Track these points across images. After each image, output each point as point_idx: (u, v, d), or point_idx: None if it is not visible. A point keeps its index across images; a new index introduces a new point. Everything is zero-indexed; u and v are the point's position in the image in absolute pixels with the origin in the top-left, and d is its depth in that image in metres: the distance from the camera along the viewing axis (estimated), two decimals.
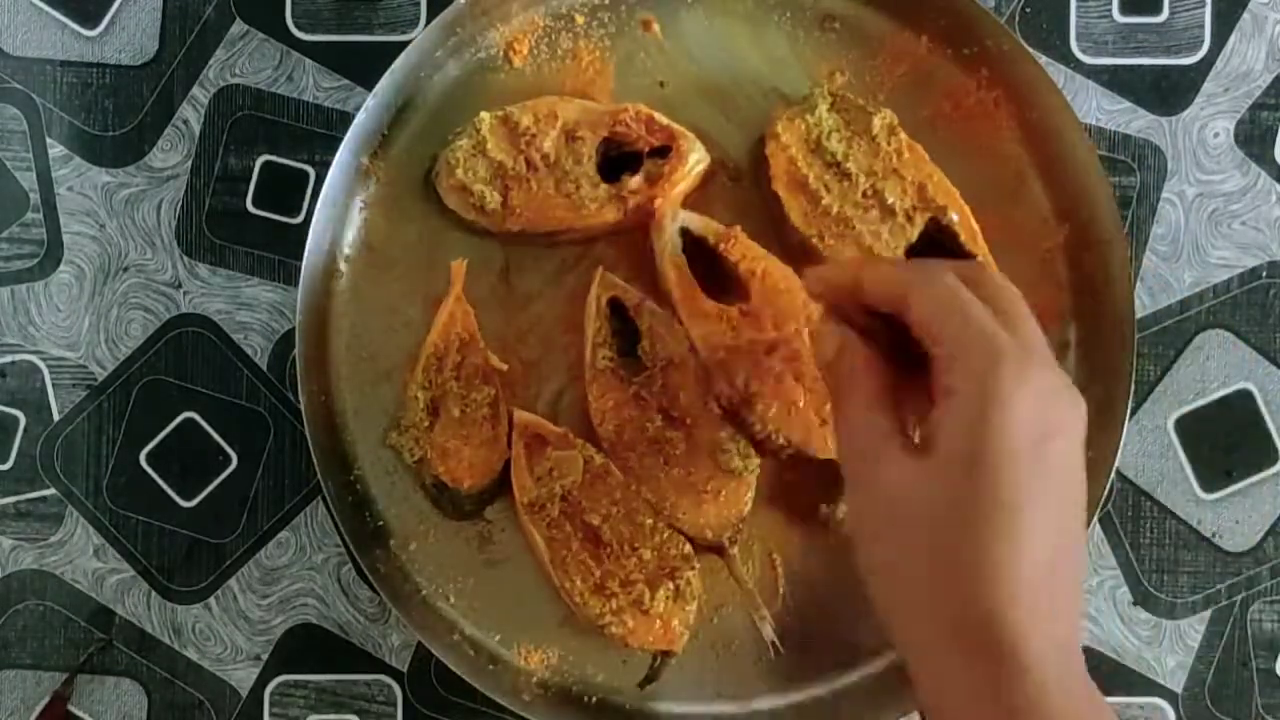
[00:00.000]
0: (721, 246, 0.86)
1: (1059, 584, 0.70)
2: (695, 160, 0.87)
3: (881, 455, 0.73)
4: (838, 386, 0.76)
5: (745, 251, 0.86)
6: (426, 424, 0.87)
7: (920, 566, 0.71)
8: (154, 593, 0.91)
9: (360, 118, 0.86)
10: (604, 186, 0.87)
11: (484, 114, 0.86)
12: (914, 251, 0.86)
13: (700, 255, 0.86)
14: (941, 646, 0.71)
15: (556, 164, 0.86)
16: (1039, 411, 0.69)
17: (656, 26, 0.89)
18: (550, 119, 0.86)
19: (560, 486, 0.86)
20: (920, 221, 0.86)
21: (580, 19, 0.89)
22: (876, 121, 0.86)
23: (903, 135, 0.86)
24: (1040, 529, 0.69)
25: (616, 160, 0.88)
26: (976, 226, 0.86)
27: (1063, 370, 0.73)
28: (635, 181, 0.86)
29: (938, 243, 0.86)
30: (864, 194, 0.86)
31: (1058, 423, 0.70)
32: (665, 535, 0.86)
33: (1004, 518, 0.69)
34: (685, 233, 0.86)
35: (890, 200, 0.85)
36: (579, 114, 0.87)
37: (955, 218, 0.86)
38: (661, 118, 0.87)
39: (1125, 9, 0.92)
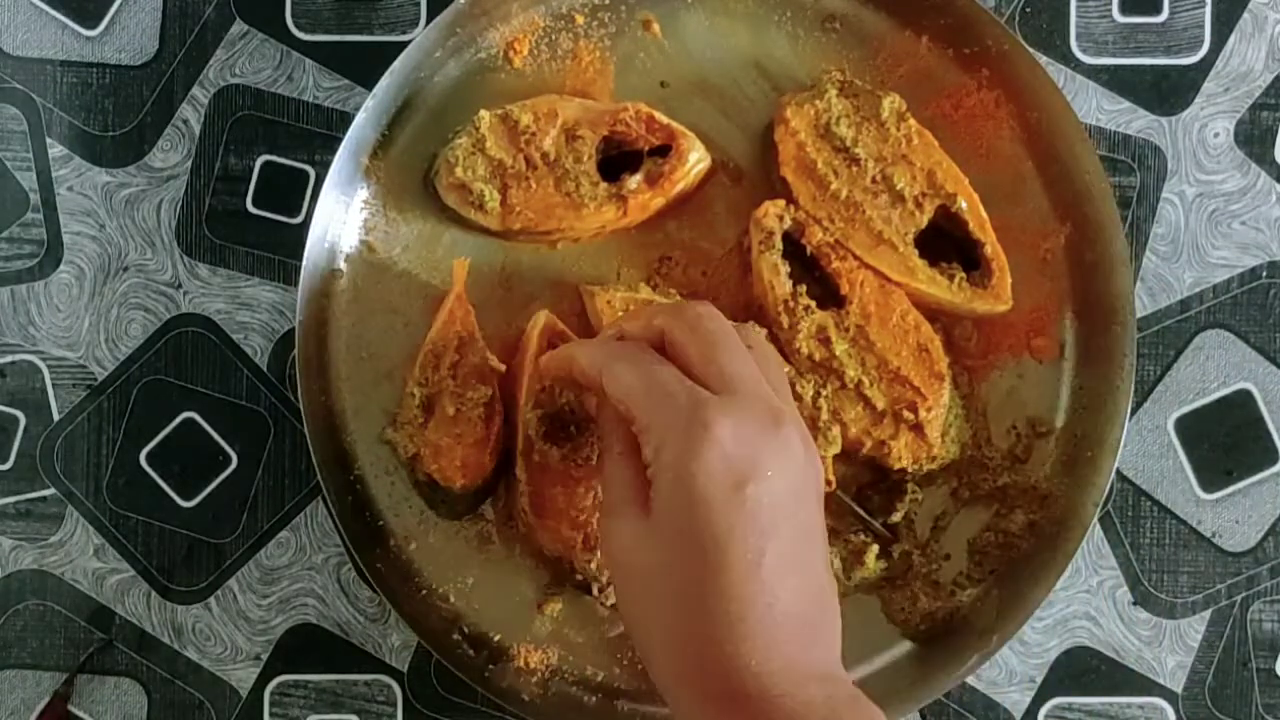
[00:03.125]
0: (822, 255, 0.86)
1: (805, 620, 0.71)
2: (695, 160, 0.87)
3: (617, 512, 0.74)
4: (602, 433, 0.78)
5: (844, 260, 0.86)
6: (421, 420, 0.86)
7: (660, 628, 0.73)
8: (154, 593, 0.91)
9: (360, 118, 0.86)
10: (604, 185, 0.86)
11: (483, 112, 0.86)
12: (923, 238, 0.86)
13: (800, 261, 0.87)
14: (698, 703, 0.72)
15: (556, 163, 0.86)
16: (729, 460, 0.70)
17: (656, 26, 0.89)
18: (550, 117, 0.86)
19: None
20: (929, 208, 0.86)
21: (580, 19, 0.89)
22: (885, 105, 0.86)
23: (912, 121, 0.86)
24: (764, 574, 0.70)
25: (617, 160, 0.88)
26: (985, 215, 0.86)
27: (779, 405, 0.74)
28: (635, 181, 0.86)
29: (947, 230, 0.87)
30: (873, 179, 0.86)
31: (753, 465, 0.71)
32: None
33: (721, 575, 0.70)
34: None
35: (899, 186, 0.85)
36: (579, 113, 0.87)
37: (964, 205, 0.86)
38: (661, 117, 0.87)
39: (1125, 9, 0.92)
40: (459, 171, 0.86)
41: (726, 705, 0.71)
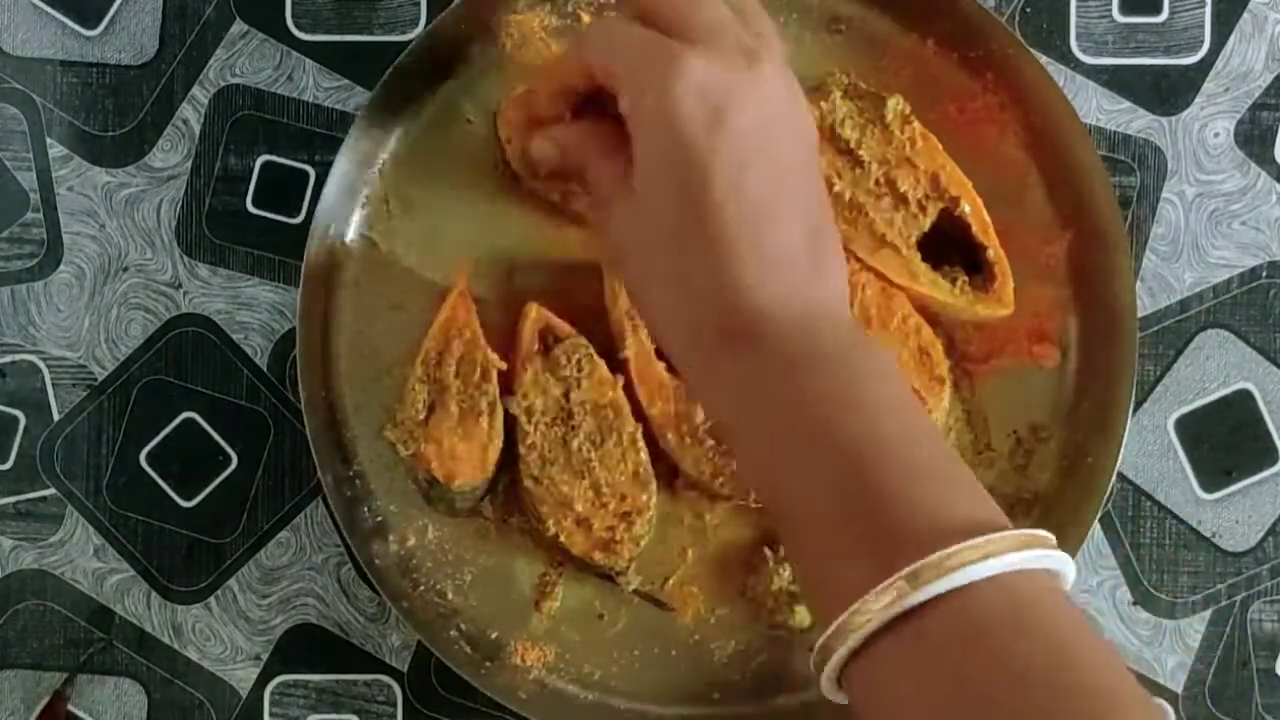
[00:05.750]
0: None
1: (796, 260, 0.72)
2: None
3: (609, 201, 0.76)
4: (579, 163, 0.79)
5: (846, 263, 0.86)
6: (421, 418, 0.86)
7: (660, 282, 0.74)
8: (154, 593, 0.91)
9: (362, 115, 0.86)
10: None
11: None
12: (926, 241, 0.86)
13: None
14: (707, 351, 0.73)
15: None
16: (702, 93, 0.71)
17: None
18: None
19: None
20: (932, 211, 0.85)
21: (587, 18, 0.88)
22: (889, 106, 0.85)
23: (916, 124, 0.86)
24: (747, 208, 0.71)
25: None
26: (988, 219, 0.86)
27: (754, 46, 0.74)
28: None
29: (949, 233, 0.86)
30: (876, 182, 0.85)
31: (725, 98, 0.71)
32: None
33: (705, 208, 0.71)
34: None
35: (903, 189, 0.85)
36: None
37: (968, 209, 0.85)
38: None
39: (1125, 9, 0.92)
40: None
41: (724, 341, 0.72)
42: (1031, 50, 0.87)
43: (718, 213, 0.71)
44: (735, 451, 0.76)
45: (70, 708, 0.91)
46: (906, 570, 0.63)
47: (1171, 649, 0.91)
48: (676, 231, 0.72)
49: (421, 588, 0.89)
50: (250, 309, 0.91)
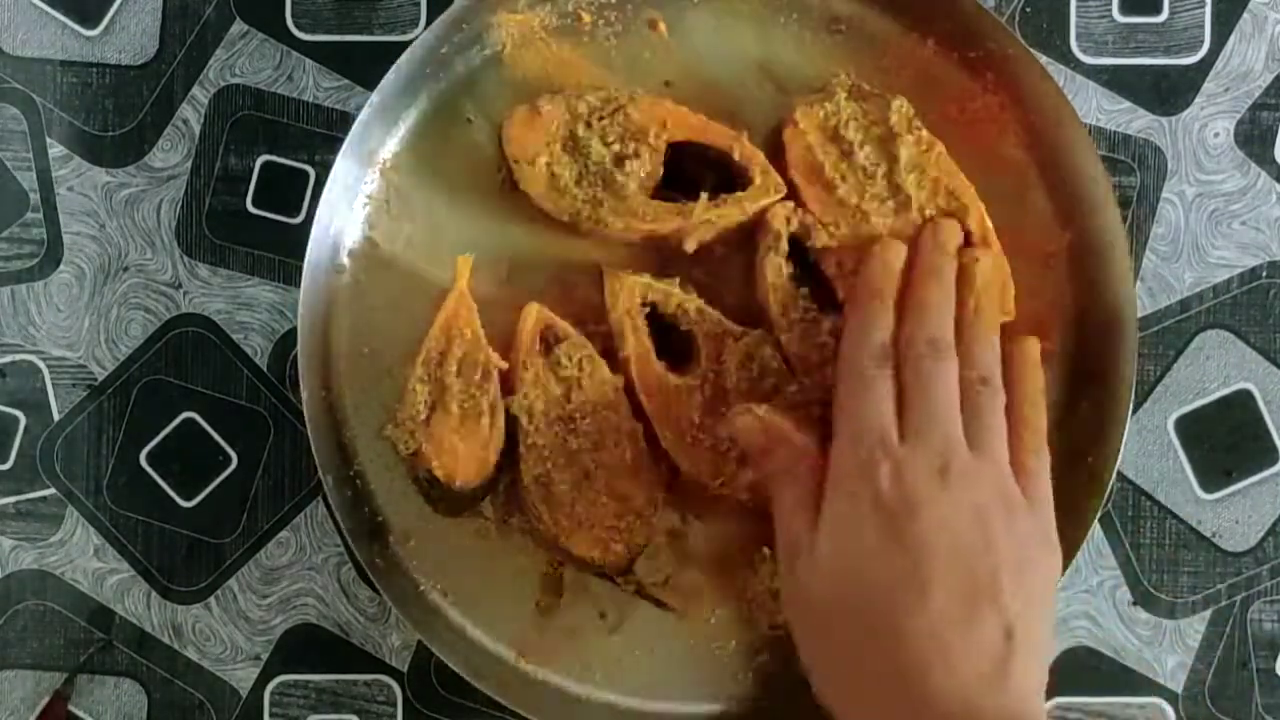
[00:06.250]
0: (823, 260, 0.86)
1: (980, 671, 0.73)
2: (772, 199, 0.86)
3: (802, 552, 0.77)
4: (771, 481, 0.81)
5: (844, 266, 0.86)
6: (423, 417, 0.86)
7: (840, 666, 0.77)
8: (154, 593, 0.91)
9: (363, 115, 0.85)
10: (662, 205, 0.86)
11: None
12: None
13: (807, 264, 0.86)
14: None
15: (623, 169, 0.86)
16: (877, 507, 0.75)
17: (663, 26, 0.88)
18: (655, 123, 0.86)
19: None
20: (935, 214, 0.85)
21: (587, 17, 0.88)
22: (894, 108, 0.85)
23: (921, 129, 0.86)
24: (932, 605, 0.73)
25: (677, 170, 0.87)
26: (990, 224, 0.86)
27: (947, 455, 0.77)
28: (703, 208, 0.86)
29: None
30: (879, 183, 0.85)
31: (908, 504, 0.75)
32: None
33: (892, 617, 0.74)
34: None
35: (906, 191, 0.85)
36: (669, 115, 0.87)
37: (970, 213, 0.85)
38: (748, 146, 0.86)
39: (1125, 9, 0.92)
40: (553, 167, 0.86)
41: None
42: (1031, 50, 0.87)
43: (905, 622, 0.73)
44: None
45: (70, 708, 0.91)
46: None
47: (1171, 649, 0.91)
48: (867, 637, 0.74)
49: (421, 588, 0.88)
50: (250, 309, 0.91)
